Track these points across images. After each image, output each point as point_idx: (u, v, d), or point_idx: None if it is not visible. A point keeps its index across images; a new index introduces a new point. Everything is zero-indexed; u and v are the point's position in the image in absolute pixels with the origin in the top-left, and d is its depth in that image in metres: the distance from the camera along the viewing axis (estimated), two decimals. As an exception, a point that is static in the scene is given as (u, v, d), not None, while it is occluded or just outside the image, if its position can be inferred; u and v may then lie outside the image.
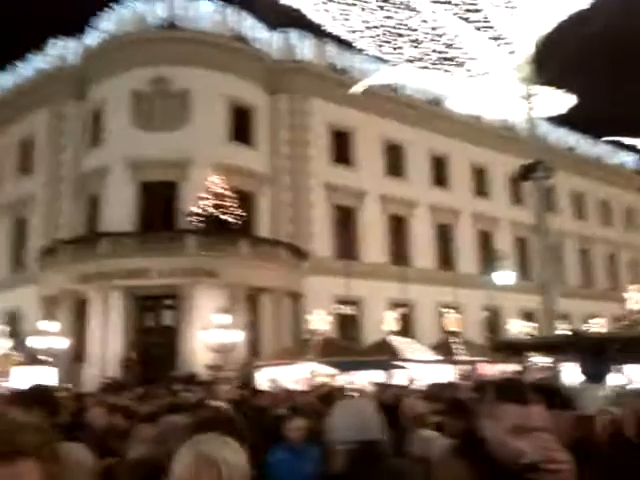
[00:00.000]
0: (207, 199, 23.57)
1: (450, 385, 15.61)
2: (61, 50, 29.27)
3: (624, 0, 14.58)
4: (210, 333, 21.34)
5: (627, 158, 43.08)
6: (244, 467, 1.59)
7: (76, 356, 22.59)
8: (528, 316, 29.47)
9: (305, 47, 29.02)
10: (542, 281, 15.51)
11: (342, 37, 18.76)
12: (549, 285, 15.00)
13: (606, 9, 14.82)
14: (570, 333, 10.70)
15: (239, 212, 23.99)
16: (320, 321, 21.13)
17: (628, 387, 13.92)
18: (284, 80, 28.01)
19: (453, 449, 2.14)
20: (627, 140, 31.03)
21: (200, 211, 23.38)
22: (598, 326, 32.11)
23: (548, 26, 16.05)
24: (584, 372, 10.83)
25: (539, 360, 18.15)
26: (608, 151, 41.77)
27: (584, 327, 32.72)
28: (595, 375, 10.36)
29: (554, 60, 16.70)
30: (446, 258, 32.02)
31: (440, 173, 32.68)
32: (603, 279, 40.47)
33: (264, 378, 18.08)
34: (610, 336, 11.93)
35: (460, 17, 16.92)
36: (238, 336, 21.77)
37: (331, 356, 18.73)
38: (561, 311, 33.67)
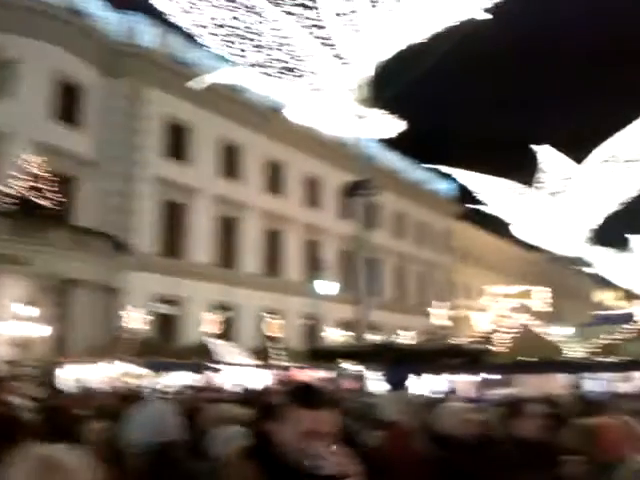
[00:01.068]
0: (21, 179, 21.58)
1: (264, 390, 15.78)
2: None
3: (462, 35, 15.91)
4: (10, 325, 19.54)
5: (447, 186, 46.85)
6: (88, 472, 1.52)
7: None
8: (347, 325, 30.80)
9: (149, 34, 27.88)
10: (358, 292, 16.23)
11: (188, 30, 18.37)
12: (364, 297, 15.77)
13: (445, 41, 16.04)
14: (377, 343, 11.34)
15: (57, 197, 22.25)
16: (137, 319, 20.34)
17: (425, 396, 15.03)
18: (123, 64, 26.62)
19: (245, 450, 2.16)
20: (445, 169, 33.66)
21: (11, 192, 21.33)
22: (407, 338, 34.51)
23: (388, 53, 16.96)
24: (387, 380, 11.54)
25: (353, 368, 19.04)
26: (430, 177, 45.14)
27: (395, 338, 35.05)
28: (396, 383, 11.08)
29: (391, 86, 17.70)
30: (273, 264, 32.46)
31: (274, 179, 33.07)
32: (415, 295, 43.61)
33: (68, 376, 16.96)
34: (412, 347, 12.83)
35: (306, 31, 17.33)
36: (43, 330, 20.16)
37: (146, 356, 18.13)
38: (376, 322, 35.82)
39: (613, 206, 24.49)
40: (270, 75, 18.32)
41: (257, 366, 22.67)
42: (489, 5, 15.76)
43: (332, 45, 17.05)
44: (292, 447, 1.95)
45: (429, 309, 34.62)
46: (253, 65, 18.28)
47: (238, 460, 2.13)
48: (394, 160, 41.80)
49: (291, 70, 18.18)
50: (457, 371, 15.92)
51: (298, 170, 34.21)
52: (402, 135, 20.56)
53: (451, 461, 4.30)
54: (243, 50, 18.08)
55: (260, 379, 20.39)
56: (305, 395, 2.05)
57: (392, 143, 35.42)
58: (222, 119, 29.67)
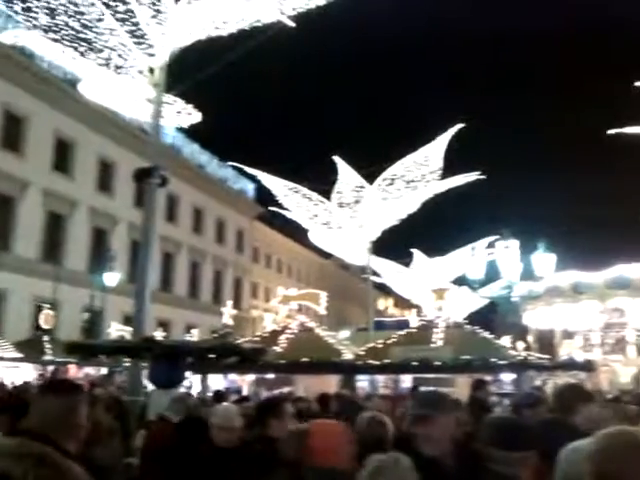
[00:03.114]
0: None
1: (22, 386, 14.41)
2: None
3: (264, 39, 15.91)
4: None
5: (249, 185, 47.10)
6: None
7: None
8: (130, 320, 29.42)
9: None
10: (142, 286, 15.41)
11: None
12: (148, 291, 14.96)
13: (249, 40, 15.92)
14: (143, 339, 10.79)
15: None
16: None
17: (198, 394, 14.76)
18: None
19: None
20: (248, 169, 33.73)
21: None
22: (194, 336, 34.01)
23: (187, 41, 16.42)
24: (151, 378, 11.00)
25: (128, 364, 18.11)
26: (233, 175, 45.06)
27: (186, 336, 34.33)
28: (166, 381, 10.58)
29: (187, 75, 17.15)
30: (53, 250, 29.78)
31: (62, 157, 30.35)
32: (208, 293, 43.19)
33: None
34: (184, 344, 12.45)
35: (103, 2, 16.13)
36: None
37: None
38: (166, 319, 34.74)
39: (394, 221, 26.51)
40: (62, 43, 16.76)
41: (22, 360, 20.95)
42: (293, 13, 15.98)
43: (130, 23, 16.07)
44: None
45: (221, 308, 34.51)
46: (43, 29, 16.58)
47: None
48: (197, 154, 41.15)
49: (86, 42, 16.80)
50: (230, 370, 15.89)
51: (91, 150, 31.93)
52: (205, 129, 20.09)
53: (212, 461, 4.27)
54: (31, 10, 16.33)
55: (24, 374, 18.91)
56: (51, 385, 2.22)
57: (193, 135, 34.89)
58: (5, 84, 26.62)
